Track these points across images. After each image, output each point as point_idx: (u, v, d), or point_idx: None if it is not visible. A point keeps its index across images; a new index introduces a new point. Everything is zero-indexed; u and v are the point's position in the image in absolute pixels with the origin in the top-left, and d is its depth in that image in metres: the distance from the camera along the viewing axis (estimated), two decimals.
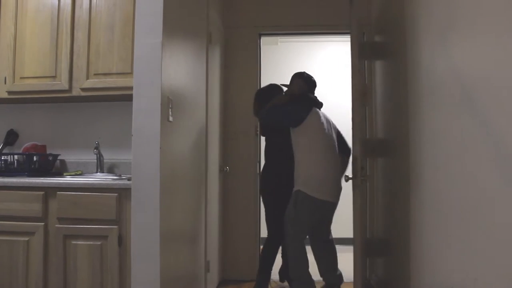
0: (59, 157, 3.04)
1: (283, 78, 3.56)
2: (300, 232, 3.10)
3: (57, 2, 2.75)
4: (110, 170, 2.99)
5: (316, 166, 3.09)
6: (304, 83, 3.27)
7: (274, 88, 3.51)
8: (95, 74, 2.70)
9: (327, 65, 5.26)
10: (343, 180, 3.05)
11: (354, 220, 2.92)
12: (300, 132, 3.11)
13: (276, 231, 3.30)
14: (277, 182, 3.33)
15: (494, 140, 1.46)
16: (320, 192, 3.05)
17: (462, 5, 1.73)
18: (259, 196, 3.76)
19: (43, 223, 2.38)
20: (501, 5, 1.39)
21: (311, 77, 3.34)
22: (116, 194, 2.31)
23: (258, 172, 3.86)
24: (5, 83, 2.80)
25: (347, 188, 3.08)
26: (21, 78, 2.79)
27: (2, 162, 2.82)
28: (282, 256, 3.61)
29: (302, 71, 3.38)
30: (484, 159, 1.52)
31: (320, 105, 3.29)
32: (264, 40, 4.12)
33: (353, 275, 2.89)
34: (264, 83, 3.83)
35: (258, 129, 3.79)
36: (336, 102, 4.59)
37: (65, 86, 2.72)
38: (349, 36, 3.12)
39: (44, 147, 3.01)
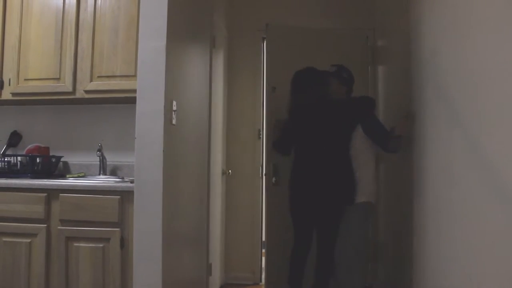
0: (62, 159, 3.04)
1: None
2: None
3: (61, 5, 2.76)
4: (113, 173, 2.99)
5: (374, 172, 2.90)
6: (346, 88, 2.96)
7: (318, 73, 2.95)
8: (98, 77, 2.70)
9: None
10: None
11: None
12: (361, 138, 2.79)
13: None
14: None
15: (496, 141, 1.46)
16: None
17: (464, 11, 1.73)
18: (264, 199, 3.71)
19: (45, 225, 2.39)
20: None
21: (347, 73, 2.98)
22: (118, 197, 2.31)
23: (260, 175, 3.85)
24: (9, 84, 2.81)
25: None
26: (25, 80, 2.80)
27: (5, 164, 2.82)
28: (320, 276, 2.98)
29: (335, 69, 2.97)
30: (485, 160, 1.51)
31: None
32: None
33: None
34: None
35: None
36: None
37: (69, 88, 2.73)
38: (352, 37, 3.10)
39: (47, 149, 3.01)
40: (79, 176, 2.90)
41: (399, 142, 2.67)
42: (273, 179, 3.52)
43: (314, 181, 2.80)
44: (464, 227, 1.72)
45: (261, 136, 3.89)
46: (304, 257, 2.93)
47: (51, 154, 3.01)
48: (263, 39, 3.97)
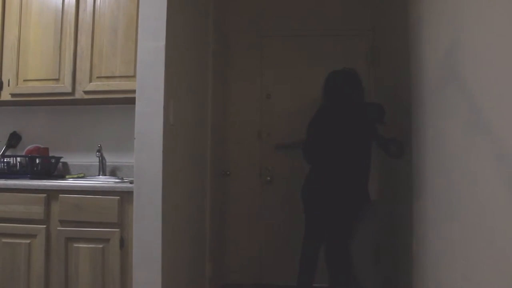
0: (61, 160, 3.04)
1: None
2: None
3: (61, 5, 2.76)
4: (113, 173, 2.99)
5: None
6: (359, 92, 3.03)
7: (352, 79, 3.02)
8: (98, 77, 2.70)
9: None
10: None
11: None
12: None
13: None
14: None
15: (493, 140, 1.45)
16: None
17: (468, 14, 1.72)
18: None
19: (45, 226, 2.38)
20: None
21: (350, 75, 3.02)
22: (118, 197, 2.31)
23: (259, 175, 3.86)
24: (8, 85, 2.80)
25: None
26: (24, 80, 2.79)
27: (5, 165, 2.82)
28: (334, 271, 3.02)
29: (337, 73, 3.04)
30: (486, 161, 1.51)
31: None
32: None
33: None
34: None
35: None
36: None
37: (68, 89, 2.73)
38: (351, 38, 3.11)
39: (46, 149, 3.01)
40: (78, 177, 2.90)
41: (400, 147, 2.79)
42: (267, 178, 3.65)
43: (337, 183, 2.83)
44: (463, 227, 1.72)
45: (260, 136, 3.89)
46: (315, 256, 2.99)
47: (50, 154, 3.01)
48: (262, 39, 3.98)
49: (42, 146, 3.00)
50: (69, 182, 2.54)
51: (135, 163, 2.22)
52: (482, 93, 1.57)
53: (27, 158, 2.84)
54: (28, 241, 2.40)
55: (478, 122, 1.59)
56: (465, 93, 1.72)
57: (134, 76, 2.43)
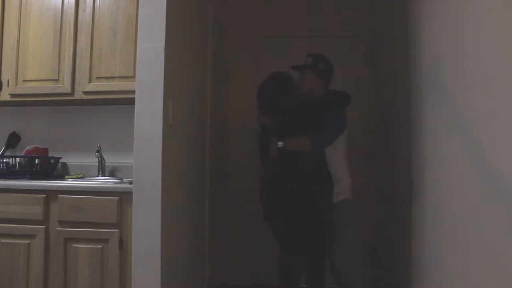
0: (61, 160, 3.04)
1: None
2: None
3: (60, 5, 2.76)
4: (112, 174, 2.99)
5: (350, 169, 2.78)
6: (324, 80, 2.76)
7: (282, 81, 2.77)
8: (97, 78, 2.70)
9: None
10: None
11: None
12: (341, 138, 2.72)
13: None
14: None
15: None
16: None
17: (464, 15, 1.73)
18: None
19: (44, 226, 2.38)
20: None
21: (325, 63, 2.78)
22: (117, 198, 2.31)
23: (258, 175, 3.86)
24: (7, 86, 2.80)
25: None
26: (23, 81, 2.79)
27: (4, 165, 2.82)
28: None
29: (310, 58, 2.80)
30: (485, 161, 1.51)
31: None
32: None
33: None
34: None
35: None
36: None
37: (68, 89, 2.73)
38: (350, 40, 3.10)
39: (46, 150, 3.01)
40: (77, 177, 2.90)
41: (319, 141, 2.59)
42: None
43: (289, 184, 2.60)
44: (462, 227, 1.72)
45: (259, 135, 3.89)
46: (293, 266, 2.74)
47: (49, 155, 3.01)
48: (262, 39, 3.98)
49: (41, 147, 3.00)
50: (68, 182, 2.54)
51: (135, 164, 2.22)
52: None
53: (26, 159, 2.83)
54: (27, 241, 2.40)
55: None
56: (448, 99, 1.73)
57: (133, 77, 2.44)
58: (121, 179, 2.78)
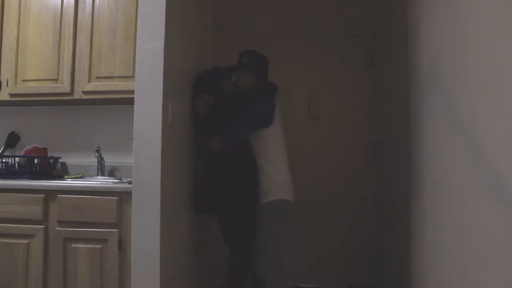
0: (60, 160, 3.04)
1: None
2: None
3: (60, 5, 2.76)
4: (111, 174, 2.99)
5: (288, 167, 2.67)
6: (253, 74, 2.74)
7: (221, 70, 2.84)
8: (97, 77, 2.70)
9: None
10: None
11: None
12: (270, 132, 2.63)
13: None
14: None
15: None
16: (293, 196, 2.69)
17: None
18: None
19: (43, 226, 2.38)
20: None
21: (256, 56, 2.79)
22: (116, 198, 2.31)
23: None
24: (7, 85, 2.80)
25: None
26: (23, 80, 2.79)
27: (3, 165, 2.82)
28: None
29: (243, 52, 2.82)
30: (485, 161, 1.51)
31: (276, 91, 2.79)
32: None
33: None
34: None
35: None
36: None
37: (67, 89, 2.73)
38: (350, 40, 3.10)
39: (45, 149, 3.01)
40: (77, 177, 2.90)
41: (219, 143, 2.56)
42: None
43: (216, 184, 2.63)
44: (462, 227, 1.72)
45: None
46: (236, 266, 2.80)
47: (49, 155, 3.00)
48: (262, 39, 3.98)
49: (40, 146, 2.99)
50: (68, 182, 2.54)
51: (134, 164, 2.21)
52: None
53: (25, 158, 2.83)
54: (26, 241, 2.39)
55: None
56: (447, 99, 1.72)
57: (133, 77, 2.43)
58: (121, 179, 2.78)
